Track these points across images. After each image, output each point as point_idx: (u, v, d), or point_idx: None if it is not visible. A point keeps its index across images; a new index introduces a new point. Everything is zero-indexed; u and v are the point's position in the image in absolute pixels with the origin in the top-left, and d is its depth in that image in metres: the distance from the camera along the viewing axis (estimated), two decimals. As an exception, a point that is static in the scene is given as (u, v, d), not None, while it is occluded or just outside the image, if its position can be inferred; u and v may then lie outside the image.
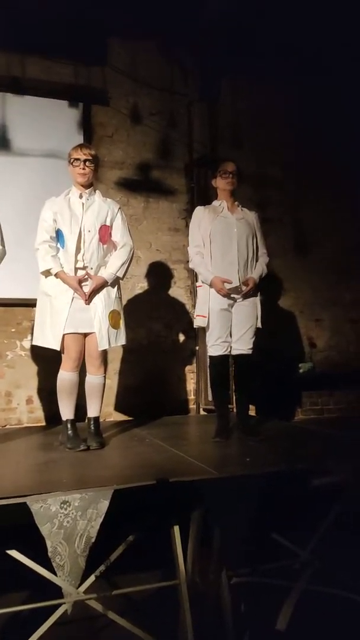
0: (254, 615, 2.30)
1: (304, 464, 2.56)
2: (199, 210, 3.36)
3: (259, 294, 3.33)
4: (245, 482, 2.29)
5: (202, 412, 4.62)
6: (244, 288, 3.19)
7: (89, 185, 3.08)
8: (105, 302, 3.02)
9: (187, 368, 4.73)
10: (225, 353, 3.26)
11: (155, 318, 4.66)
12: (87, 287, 2.98)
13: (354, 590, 2.44)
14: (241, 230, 3.25)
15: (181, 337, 4.73)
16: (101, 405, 3.14)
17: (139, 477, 2.27)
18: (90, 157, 3.02)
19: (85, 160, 3.00)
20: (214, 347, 3.25)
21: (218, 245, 3.22)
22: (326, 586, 2.48)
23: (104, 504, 2.06)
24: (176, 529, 2.27)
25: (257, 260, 3.31)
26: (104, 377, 3.13)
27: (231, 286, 3.17)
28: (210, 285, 3.20)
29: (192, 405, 4.69)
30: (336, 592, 2.47)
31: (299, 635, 2.23)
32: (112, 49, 4.65)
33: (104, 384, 3.14)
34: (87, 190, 3.07)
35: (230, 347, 3.27)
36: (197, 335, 4.61)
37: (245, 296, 3.23)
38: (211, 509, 2.25)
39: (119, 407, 4.42)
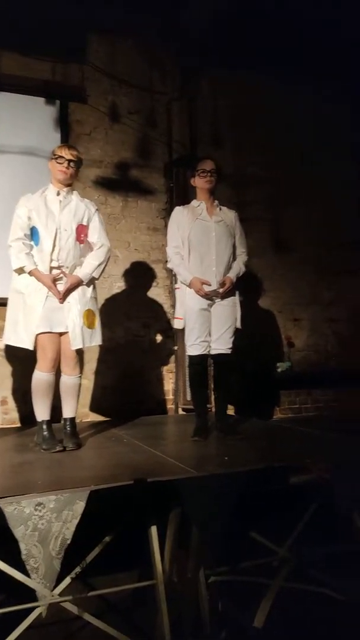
0: (232, 613, 2.30)
1: (282, 462, 2.57)
2: (177, 211, 3.34)
3: (237, 293, 3.33)
4: (223, 480, 2.28)
5: (180, 412, 4.61)
6: (221, 290, 3.19)
7: (67, 184, 3.05)
8: (80, 301, 2.98)
9: (166, 368, 4.71)
10: (204, 353, 3.25)
11: (133, 317, 4.62)
12: (62, 286, 2.94)
13: (330, 587, 2.46)
14: (220, 234, 3.25)
15: (159, 337, 4.71)
16: (77, 406, 3.10)
17: (116, 478, 2.24)
18: (74, 159, 3.01)
19: (69, 161, 2.98)
20: (193, 346, 3.24)
21: (196, 249, 3.22)
22: (303, 583, 2.49)
23: (80, 505, 2.03)
24: (153, 529, 2.26)
25: (235, 260, 3.31)
26: (80, 377, 3.09)
27: (210, 289, 3.17)
28: (189, 286, 3.19)
29: (170, 405, 4.67)
30: (313, 589, 2.48)
31: (276, 633, 2.24)
32: (91, 47, 4.60)
33: (80, 384, 3.10)
34: (65, 189, 3.04)
35: (210, 347, 3.27)
36: (175, 334, 4.59)
37: (224, 295, 3.23)
38: (189, 508, 2.24)
39: (96, 408, 4.38)
